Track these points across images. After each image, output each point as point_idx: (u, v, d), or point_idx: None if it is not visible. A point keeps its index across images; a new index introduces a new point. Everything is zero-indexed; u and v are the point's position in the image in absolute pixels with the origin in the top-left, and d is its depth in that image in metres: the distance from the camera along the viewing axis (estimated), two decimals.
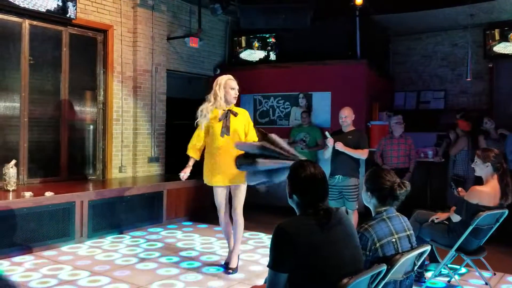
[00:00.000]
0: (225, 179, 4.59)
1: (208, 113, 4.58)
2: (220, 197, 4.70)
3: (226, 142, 4.53)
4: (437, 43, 9.64)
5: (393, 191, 2.70)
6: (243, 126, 4.64)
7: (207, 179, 4.68)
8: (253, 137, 4.57)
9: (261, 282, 4.07)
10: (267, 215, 7.23)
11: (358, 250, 2.35)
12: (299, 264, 2.12)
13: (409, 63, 9.93)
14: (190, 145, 4.74)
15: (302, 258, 2.11)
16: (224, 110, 4.59)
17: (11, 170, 5.72)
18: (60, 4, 6.47)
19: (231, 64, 9.48)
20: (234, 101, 4.64)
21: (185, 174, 4.70)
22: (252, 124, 4.74)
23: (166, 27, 8.14)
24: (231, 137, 4.53)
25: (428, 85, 9.74)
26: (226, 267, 4.75)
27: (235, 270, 4.68)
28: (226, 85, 4.57)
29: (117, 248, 5.60)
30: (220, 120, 4.55)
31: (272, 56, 9.16)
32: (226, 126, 4.54)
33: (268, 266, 2.20)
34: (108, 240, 5.92)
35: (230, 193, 4.76)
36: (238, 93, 4.67)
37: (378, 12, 8.28)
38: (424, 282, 4.29)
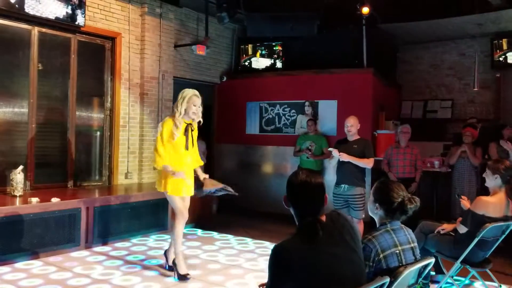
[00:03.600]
0: (190, 190, 4.85)
1: (180, 126, 4.72)
2: (182, 204, 4.82)
3: (188, 155, 4.81)
4: (445, 52, 9.63)
5: (404, 206, 2.68)
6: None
7: (174, 190, 4.71)
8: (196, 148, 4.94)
9: None
10: (273, 223, 7.22)
11: (359, 261, 2.26)
12: (297, 285, 2.07)
13: (416, 72, 9.92)
14: (163, 157, 4.67)
15: (299, 279, 2.07)
16: (185, 123, 4.76)
17: (18, 175, 5.76)
18: (69, 11, 6.54)
19: (237, 71, 9.52)
20: (193, 117, 4.78)
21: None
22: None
23: (174, 35, 8.19)
24: (191, 151, 4.85)
25: (435, 94, 9.72)
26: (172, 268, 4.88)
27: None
28: (190, 100, 4.72)
29: (122, 254, 5.61)
30: (184, 134, 4.74)
31: (279, 64, 9.19)
32: (189, 140, 4.78)
33: (266, 287, 2.18)
34: (113, 246, 5.94)
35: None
36: (199, 112, 4.81)
37: (385, 21, 8.29)
38: None
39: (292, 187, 2.26)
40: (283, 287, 2.12)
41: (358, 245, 2.29)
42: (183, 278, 4.67)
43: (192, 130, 4.83)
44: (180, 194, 4.77)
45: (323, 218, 2.23)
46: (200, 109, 4.82)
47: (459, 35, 9.10)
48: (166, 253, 5.04)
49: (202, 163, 5.09)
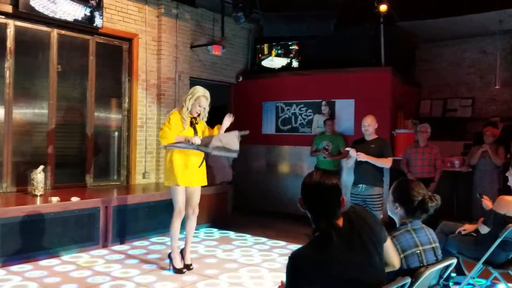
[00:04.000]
0: (199, 180, 4.95)
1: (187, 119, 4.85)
2: (183, 196, 4.87)
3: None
4: (465, 50, 9.49)
5: (424, 204, 2.64)
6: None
7: (181, 180, 4.78)
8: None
9: None
10: (289, 223, 7.20)
11: (380, 263, 2.19)
12: None
13: (435, 70, 9.79)
14: (171, 132, 4.75)
15: (318, 286, 2.04)
16: (190, 116, 4.87)
17: (39, 175, 5.85)
18: (87, 13, 6.61)
19: (254, 71, 9.52)
20: (195, 115, 4.90)
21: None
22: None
23: (190, 35, 8.22)
24: None
25: (455, 92, 9.58)
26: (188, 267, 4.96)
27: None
28: (197, 100, 4.83)
29: (141, 253, 5.65)
30: (191, 127, 4.86)
31: (295, 64, 9.15)
32: (196, 132, 4.89)
33: None
34: (131, 245, 5.98)
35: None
36: (204, 112, 4.95)
37: (403, 19, 8.19)
38: None
39: (306, 189, 2.19)
40: None
41: (378, 243, 2.20)
42: (178, 272, 4.84)
43: (196, 124, 4.92)
44: (186, 184, 4.82)
45: (340, 221, 2.16)
46: (206, 110, 4.94)
47: (479, 32, 8.95)
48: (182, 252, 5.06)
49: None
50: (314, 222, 2.19)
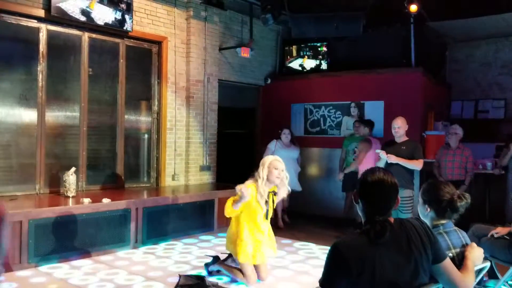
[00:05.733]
0: (263, 258, 4.71)
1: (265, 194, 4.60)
2: (252, 271, 4.64)
3: (266, 223, 4.74)
4: (497, 50, 9.27)
5: (453, 203, 2.61)
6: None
7: (244, 257, 4.56)
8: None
9: None
10: (317, 225, 7.15)
11: (423, 274, 2.15)
12: (353, 283, 2.04)
13: (467, 70, 9.59)
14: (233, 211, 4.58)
15: (355, 278, 2.03)
16: (268, 191, 4.63)
17: (71, 177, 5.97)
18: (118, 17, 6.73)
19: (282, 73, 9.51)
20: (277, 182, 4.63)
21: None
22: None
23: (218, 37, 8.27)
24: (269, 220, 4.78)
25: (487, 93, 9.36)
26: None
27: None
28: (271, 165, 4.60)
29: (170, 254, 5.71)
30: (266, 204, 4.62)
31: (324, 65, 9.10)
32: (270, 209, 4.68)
33: (319, 283, 2.14)
34: (161, 247, 6.05)
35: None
36: (283, 174, 4.64)
37: (434, 19, 8.06)
38: None
39: (366, 184, 2.22)
40: (336, 283, 2.09)
41: (426, 256, 2.16)
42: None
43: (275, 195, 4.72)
44: (251, 262, 4.61)
45: (391, 220, 2.18)
46: (284, 173, 4.64)
47: None
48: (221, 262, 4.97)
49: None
50: (368, 216, 2.21)
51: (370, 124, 7.34)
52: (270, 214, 4.74)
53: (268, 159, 4.68)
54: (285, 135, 7.62)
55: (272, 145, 7.59)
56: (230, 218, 4.78)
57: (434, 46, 9.15)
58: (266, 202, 4.62)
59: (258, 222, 4.62)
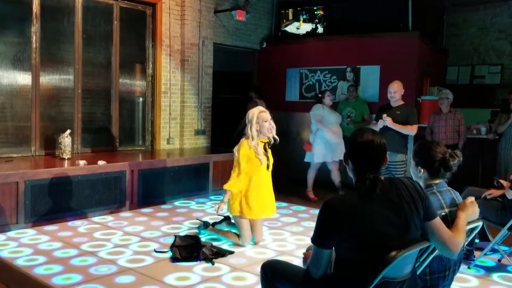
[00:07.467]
0: (267, 211, 4.69)
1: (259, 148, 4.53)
2: (248, 229, 4.63)
3: (267, 175, 4.67)
4: (495, 14, 9.16)
5: (446, 162, 2.65)
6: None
7: (253, 212, 4.55)
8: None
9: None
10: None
11: (415, 229, 2.19)
12: (344, 238, 2.09)
13: (464, 35, 9.50)
14: (237, 187, 4.57)
15: (346, 233, 2.08)
16: (262, 142, 4.57)
17: (66, 139, 5.98)
18: None
19: (278, 37, 9.40)
20: (270, 135, 4.56)
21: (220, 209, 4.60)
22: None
23: (213, 0, 8.12)
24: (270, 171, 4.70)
25: (483, 59, 9.32)
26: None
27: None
28: (259, 119, 4.49)
29: (166, 216, 5.77)
30: (264, 155, 4.55)
31: (320, 29, 9.00)
32: (268, 160, 4.61)
33: (311, 240, 2.19)
34: (157, 208, 6.11)
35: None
36: (273, 124, 4.56)
37: None
38: (474, 260, 4.19)
39: (356, 145, 2.26)
40: (328, 239, 2.13)
41: (417, 212, 2.19)
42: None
43: (270, 148, 4.65)
44: (257, 216, 4.60)
45: (381, 178, 2.22)
46: (273, 123, 4.55)
47: None
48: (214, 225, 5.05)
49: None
50: (358, 174, 2.24)
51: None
52: (271, 167, 4.68)
53: (252, 113, 4.51)
54: (330, 97, 7.02)
55: (319, 109, 6.95)
56: (225, 181, 4.79)
57: (431, 10, 9.04)
58: (266, 153, 4.58)
59: (261, 176, 4.58)
